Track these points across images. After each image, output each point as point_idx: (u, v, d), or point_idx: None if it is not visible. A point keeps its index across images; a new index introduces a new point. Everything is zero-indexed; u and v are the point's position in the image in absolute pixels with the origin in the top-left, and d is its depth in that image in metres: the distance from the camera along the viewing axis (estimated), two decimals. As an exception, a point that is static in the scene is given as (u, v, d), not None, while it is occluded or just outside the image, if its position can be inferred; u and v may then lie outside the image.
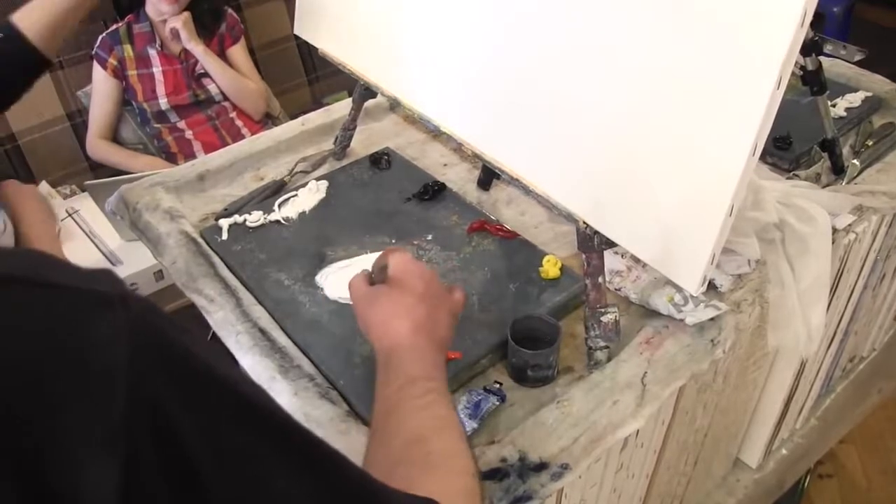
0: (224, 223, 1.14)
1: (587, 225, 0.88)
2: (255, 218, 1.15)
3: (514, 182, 0.97)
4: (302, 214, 1.17)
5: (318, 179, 1.24)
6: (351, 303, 0.82)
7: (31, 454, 0.35)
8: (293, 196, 1.20)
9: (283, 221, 1.16)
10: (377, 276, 0.83)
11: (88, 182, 1.95)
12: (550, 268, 1.03)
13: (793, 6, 0.64)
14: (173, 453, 0.40)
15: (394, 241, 1.10)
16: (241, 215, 1.16)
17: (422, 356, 0.73)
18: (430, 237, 1.12)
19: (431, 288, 0.80)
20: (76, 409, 0.37)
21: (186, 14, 2.17)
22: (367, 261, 1.05)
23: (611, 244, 0.87)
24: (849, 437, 1.85)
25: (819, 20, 3.14)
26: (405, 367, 0.71)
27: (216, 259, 1.08)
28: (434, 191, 1.20)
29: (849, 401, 1.58)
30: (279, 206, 1.18)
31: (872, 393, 1.68)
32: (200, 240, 1.12)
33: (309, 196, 1.20)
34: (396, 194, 1.21)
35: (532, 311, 0.95)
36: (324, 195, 1.21)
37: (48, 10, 1.06)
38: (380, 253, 0.86)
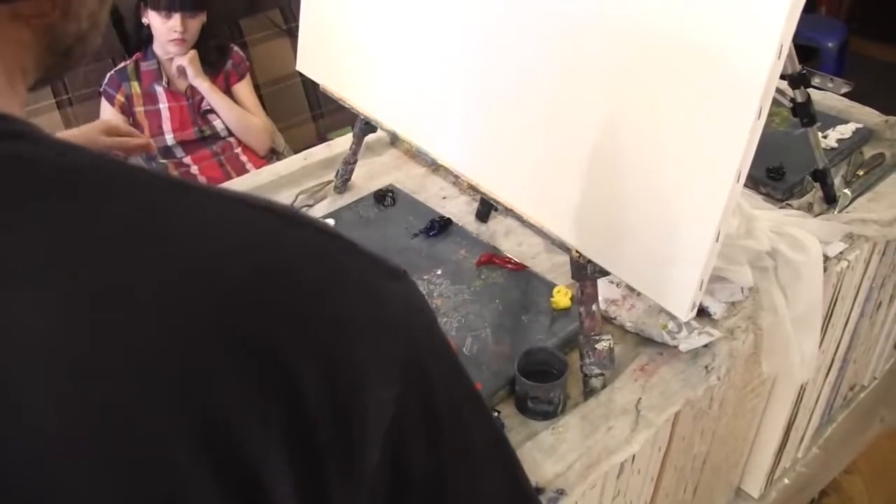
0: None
1: (580, 254, 0.89)
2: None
3: (511, 213, 0.99)
4: (308, 251, 1.18)
5: (324, 217, 1.25)
6: None
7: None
8: (298, 233, 1.22)
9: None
10: None
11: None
12: (561, 298, 1.05)
13: (770, 39, 0.66)
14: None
15: (404, 278, 1.12)
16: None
17: None
18: (439, 272, 1.14)
19: None
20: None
21: (193, 51, 2.21)
22: None
23: (604, 273, 0.89)
24: (854, 467, 1.84)
25: (814, 55, 3.17)
26: None
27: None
28: (440, 226, 1.22)
29: (851, 430, 1.58)
30: (283, 241, 1.20)
31: (875, 422, 1.68)
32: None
33: (315, 234, 1.21)
34: (403, 230, 1.23)
35: (543, 344, 0.97)
36: (331, 234, 1.22)
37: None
38: None
